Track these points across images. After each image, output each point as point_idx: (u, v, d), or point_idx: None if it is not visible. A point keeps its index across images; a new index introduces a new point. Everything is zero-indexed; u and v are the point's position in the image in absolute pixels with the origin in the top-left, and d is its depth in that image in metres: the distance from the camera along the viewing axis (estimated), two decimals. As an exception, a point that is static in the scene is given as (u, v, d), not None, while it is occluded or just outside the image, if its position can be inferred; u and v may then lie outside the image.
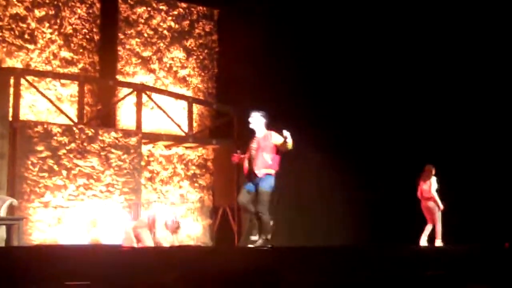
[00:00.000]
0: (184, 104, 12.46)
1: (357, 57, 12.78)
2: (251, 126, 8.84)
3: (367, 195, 12.44)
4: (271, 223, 8.63)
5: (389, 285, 5.64)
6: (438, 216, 10.86)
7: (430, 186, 10.82)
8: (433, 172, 10.90)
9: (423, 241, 10.83)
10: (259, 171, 8.56)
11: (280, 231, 12.18)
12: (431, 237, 10.88)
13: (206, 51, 13.24)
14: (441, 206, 10.80)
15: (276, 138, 8.64)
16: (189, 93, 12.82)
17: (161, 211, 10.47)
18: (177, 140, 12.19)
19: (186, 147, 12.52)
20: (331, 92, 12.83)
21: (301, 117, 12.59)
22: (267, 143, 8.66)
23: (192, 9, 13.19)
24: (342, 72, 12.81)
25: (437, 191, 10.83)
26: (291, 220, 12.23)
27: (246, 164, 8.77)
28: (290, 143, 8.49)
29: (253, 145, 8.80)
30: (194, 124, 12.45)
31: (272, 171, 8.63)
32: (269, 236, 8.61)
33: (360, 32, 12.74)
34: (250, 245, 8.71)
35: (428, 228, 10.89)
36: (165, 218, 9.90)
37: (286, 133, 8.46)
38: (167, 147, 12.38)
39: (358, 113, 12.85)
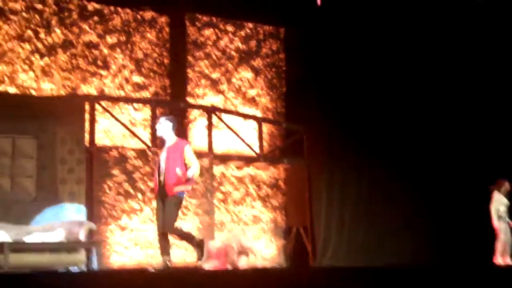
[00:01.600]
0: (254, 124, 12.65)
1: (435, 74, 12.61)
2: (158, 134, 8.04)
3: (440, 212, 12.29)
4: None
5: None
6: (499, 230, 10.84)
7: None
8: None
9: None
10: (170, 189, 7.63)
11: (351, 250, 12.19)
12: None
13: (274, 70, 13.38)
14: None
15: (188, 155, 7.76)
16: (258, 113, 12.98)
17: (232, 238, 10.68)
18: (248, 160, 12.36)
19: (258, 167, 12.67)
20: (403, 107, 12.71)
21: (373, 133, 12.55)
22: (178, 154, 7.73)
23: (259, 28, 13.36)
24: (417, 88, 12.64)
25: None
26: (363, 239, 12.18)
27: (156, 177, 7.83)
28: (194, 175, 7.78)
29: (162, 156, 7.80)
30: (265, 144, 12.62)
31: (188, 188, 7.89)
32: (169, 258, 7.83)
33: (446, 45, 12.57)
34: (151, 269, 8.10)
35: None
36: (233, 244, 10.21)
37: (192, 171, 7.71)
38: (239, 167, 12.55)
39: (434, 126, 12.66)
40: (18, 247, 8.69)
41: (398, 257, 11.44)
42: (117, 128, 11.62)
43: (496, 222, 10.81)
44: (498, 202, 10.88)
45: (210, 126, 11.86)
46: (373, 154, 12.48)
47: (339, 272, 8.60)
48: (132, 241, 10.71)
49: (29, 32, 11.26)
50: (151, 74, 12.30)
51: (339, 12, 12.69)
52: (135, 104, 11.92)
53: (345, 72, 12.69)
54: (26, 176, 10.08)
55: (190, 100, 12.44)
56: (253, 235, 12.09)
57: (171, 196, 7.70)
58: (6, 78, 11.00)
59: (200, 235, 11.09)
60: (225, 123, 12.22)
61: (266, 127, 12.84)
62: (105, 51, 11.88)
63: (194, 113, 12.24)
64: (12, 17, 11.14)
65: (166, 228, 7.71)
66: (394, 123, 12.59)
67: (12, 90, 10.97)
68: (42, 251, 8.89)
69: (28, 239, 9.17)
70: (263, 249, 12.18)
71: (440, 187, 12.32)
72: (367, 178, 12.52)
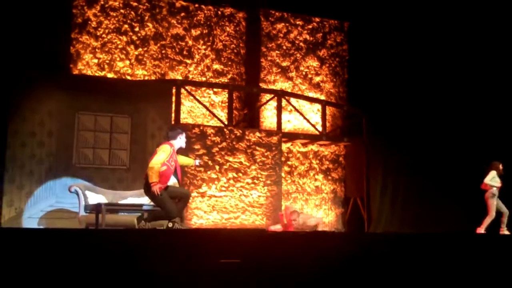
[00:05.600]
0: (318, 106, 12.65)
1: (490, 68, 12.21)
2: (183, 146, 7.84)
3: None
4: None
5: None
6: (490, 205, 10.25)
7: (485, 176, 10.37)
8: (495, 167, 10.34)
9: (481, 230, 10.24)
10: None
11: (404, 219, 12.02)
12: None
13: (337, 59, 13.34)
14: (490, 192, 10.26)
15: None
16: (322, 97, 12.98)
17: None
18: (312, 138, 12.40)
19: (320, 145, 12.69)
20: (457, 89, 12.39)
21: (427, 115, 12.31)
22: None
23: (325, 22, 13.34)
24: (472, 74, 12.28)
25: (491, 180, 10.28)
26: (414, 210, 11.99)
27: (172, 176, 7.73)
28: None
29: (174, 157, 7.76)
30: (327, 124, 12.61)
31: None
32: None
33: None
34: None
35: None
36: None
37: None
38: (304, 144, 12.61)
39: (486, 107, 12.28)
40: (113, 208, 9.02)
41: (444, 225, 11.22)
42: (199, 109, 11.90)
43: (491, 200, 10.25)
44: (494, 181, 10.30)
45: (279, 108, 11.96)
46: (427, 134, 12.27)
47: (391, 238, 8.51)
48: (210, 206, 10.94)
49: (126, 26, 11.62)
50: (229, 62, 12.52)
51: (399, 7, 12.49)
52: (214, 89, 12.14)
53: (403, 62, 12.55)
54: (121, 149, 10.46)
55: (262, 85, 12.57)
56: (315, 204, 12.13)
57: None
58: (106, 66, 11.41)
59: (269, 203, 11.28)
60: (292, 106, 12.29)
61: (329, 110, 12.83)
62: (190, 42, 12.15)
63: (266, 97, 12.33)
64: (111, 13, 11.53)
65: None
66: (448, 105, 12.32)
67: (110, 75, 11.36)
68: (133, 212, 9.17)
69: (123, 202, 9.50)
70: (324, 216, 12.23)
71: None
72: (421, 155, 12.32)
